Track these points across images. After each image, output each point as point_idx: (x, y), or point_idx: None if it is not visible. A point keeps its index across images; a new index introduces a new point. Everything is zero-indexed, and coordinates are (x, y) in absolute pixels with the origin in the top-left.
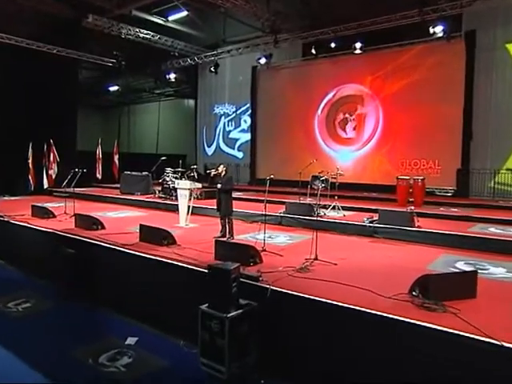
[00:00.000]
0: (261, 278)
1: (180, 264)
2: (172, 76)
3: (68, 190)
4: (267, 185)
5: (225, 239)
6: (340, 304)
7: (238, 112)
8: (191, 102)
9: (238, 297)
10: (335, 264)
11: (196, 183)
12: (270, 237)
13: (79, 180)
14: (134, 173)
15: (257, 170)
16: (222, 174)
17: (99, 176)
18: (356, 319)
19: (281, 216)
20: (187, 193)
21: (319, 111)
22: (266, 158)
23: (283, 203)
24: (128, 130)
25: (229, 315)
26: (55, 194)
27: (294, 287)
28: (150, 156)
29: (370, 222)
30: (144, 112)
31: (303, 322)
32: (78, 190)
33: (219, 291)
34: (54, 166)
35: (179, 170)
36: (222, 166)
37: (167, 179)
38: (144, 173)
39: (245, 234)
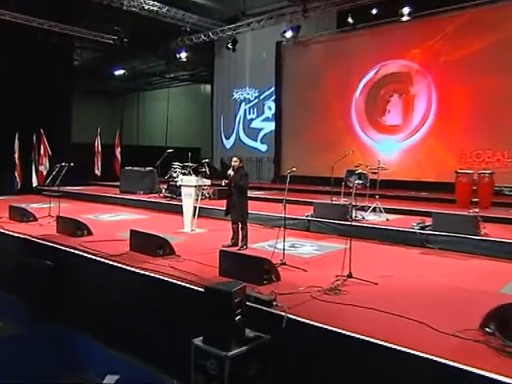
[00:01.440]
0: (275, 303)
1: (174, 281)
2: (183, 55)
3: (58, 188)
4: (287, 181)
5: (235, 249)
6: (383, 343)
7: (261, 97)
8: (208, 88)
9: (244, 328)
10: (375, 284)
11: (204, 180)
12: (292, 246)
13: (74, 177)
14: (135, 168)
15: (282, 166)
16: (235, 167)
17: (98, 172)
18: (405, 366)
19: (308, 220)
20: (193, 191)
21: (357, 93)
22: (292, 150)
23: (311, 204)
24: (137, 119)
25: (230, 353)
26: (45, 193)
27: (320, 315)
28: (159, 149)
29: (421, 229)
30: (154, 99)
31: (330, 365)
32: (71, 188)
33: (218, 321)
34: (45, 161)
35: (188, 164)
36: (235, 158)
37: (174, 175)
38: (148, 168)
39: (262, 243)
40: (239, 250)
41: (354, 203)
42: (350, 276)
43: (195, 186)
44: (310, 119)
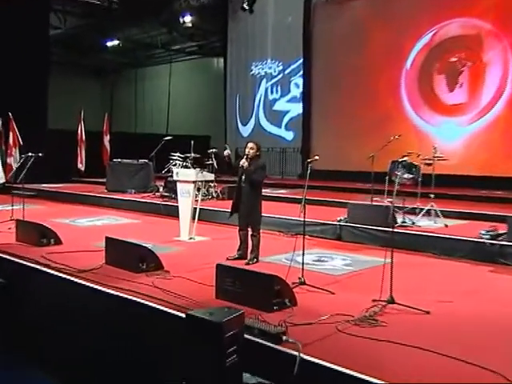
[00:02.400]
0: (285, 337)
1: (156, 306)
2: (188, 19)
3: (23, 185)
4: (307, 173)
5: (242, 264)
6: None
7: (286, 72)
8: (221, 62)
9: (241, 372)
10: (427, 312)
11: (206, 173)
12: (318, 260)
13: (51, 173)
14: (126, 161)
15: (311, 157)
16: (250, 155)
17: (82, 167)
18: None
19: (340, 226)
20: (191, 188)
21: (408, 64)
22: (325, 138)
23: (345, 206)
24: (135, 101)
25: None
26: (14, 192)
27: (346, 356)
28: (161, 137)
29: (493, 238)
30: (156, 77)
31: None
32: (47, 186)
33: (203, 362)
34: (15, 152)
35: (189, 155)
36: (250, 145)
37: (174, 170)
38: (142, 161)
39: (279, 255)
40: (247, 264)
41: (401, 204)
42: (391, 301)
43: (194, 182)
44: (346, 99)
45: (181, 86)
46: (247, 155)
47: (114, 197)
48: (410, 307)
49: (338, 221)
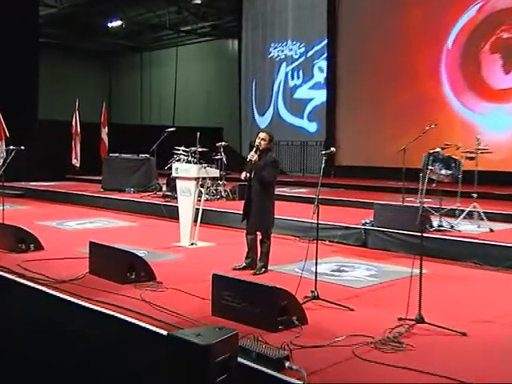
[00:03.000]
0: (288, 363)
1: (141, 324)
2: None
3: (2, 183)
4: (322, 168)
5: (250, 274)
6: None
7: (309, 54)
8: (236, 44)
9: None
10: (463, 334)
11: (210, 169)
12: (339, 269)
13: (42, 169)
14: (125, 156)
15: (337, 152)
16: (261, 147)
17: (76, 162)
18: None
19: (365, 230)
20: (192, 186)
21: (450, 43)
22: (351, 130)
23: (372, 206)
24: (140, 89)
25: None
26: None
27: None
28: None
29: None
30: (165, 62)
31: None
32: (37, 185)
33: None
34: (0, 146)
35: (194, 149)
36: (262, 135)
37: (173, 165)
38: (142, 156)
39: (293, 264)
40: (254, 274)
41: (438, 205)
42: (420, 320)
43: (195, 179)
44: (377, 84)
45: (190, 71)
46: (257, 147)
47: (110, 196)
48: (442, 328)
49: (363, 224)
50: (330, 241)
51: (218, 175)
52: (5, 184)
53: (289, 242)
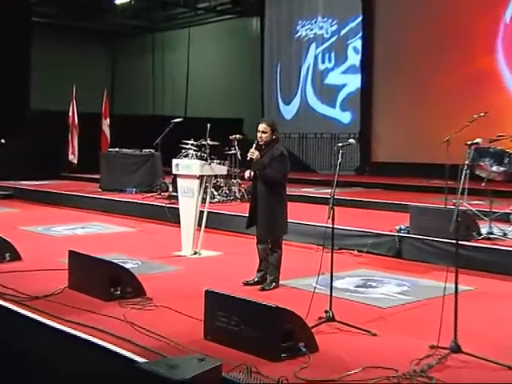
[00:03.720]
0: None
1: (122, 352)
2: None
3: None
4: (338, 163)
5: (258, 290)
6: None
7: (342, 33)
8: (259, 23)
9: None
10: (509, 368)
11: (216, 166)
12: (365, 284)
13: (34, 167)
14: (126, 151)
15: (374, 147)
16: (263, 140)
17: (74, 159)
18: None
19: (399, 238)
20: (195, 186)
21: (507, 16)
22: (390, 120)
23: (407, 209)
24: (152, 75)
25: None
26: None
27: None
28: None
29: None
30: (180, 44)
31: None
32: (28, 184)
33: None
34: None
35: (204, 143)
36: (262, 126)
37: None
38: (146, 151)
39: (309, 278)
40: (263, 290)
41: (487, 208)
42: (456, 349)
43: (198, 177)
44: (421, 66)
45: (207, 55)
46: (258, 141)
47: (108, 197)
48: (484, 359)
49: (398, 231)
50: (358, 250)
51: (226, 172)
52: None
53: (310, 251)
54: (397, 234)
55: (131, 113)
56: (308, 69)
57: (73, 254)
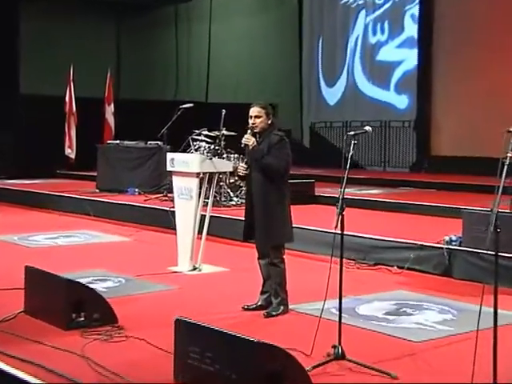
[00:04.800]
0: None
1: None
2: None
3: None
4: (347, 163)
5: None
6: None
7: None
8: None
9: None
10: None
11: (218, 161)
12: (398, 311)
13: (25, 163)
14: (127, 143)
15: (434, 138)
16: (256, 127)
17: (70, 152)
18: None
19: (448, 251)
20: (194, 186)
21: None
22: (454, 105)
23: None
24: (176, 53)
25: None
26: None
27: None
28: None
29: None
30: (207, 17)
31: None
32: (15, 183)
33: None
34: None
35: (218, 133)
36: (255, 109)
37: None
38: (152, 143)
39: (330, 301)
40: (268, 316)
41: None
42: None
43: (197, 175)
44: (494, 39)
45: (235, 29)
46: (252, 127)
47: (103, 200)
48: None
49: (447, 242)
50: (398, 266)
51: (232, 169)
52: None
53: (338, 267)
54: (446, 246)
55: (142, 98)
56: (356, 42)
57: (30, 271)
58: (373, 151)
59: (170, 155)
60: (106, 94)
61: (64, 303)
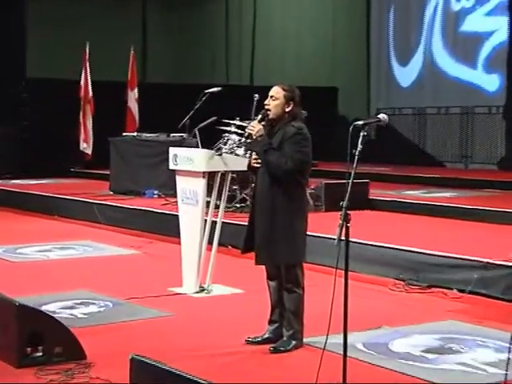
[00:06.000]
0: None
1: None
2: None
3: None
4: (355, 157)
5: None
6: None
7: None
8: None
9: None
10: None
11: (230, 157)
12: (441, 348)
13: (37, 160)
14: (146, 136)
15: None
16: (270, 111)
17: (86, 147)
18: None
19: None
20: (200, 188)
21: None
22: None
23: None
24: (225, 30)
25: None
26: None
27: None
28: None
29: None
30: None
31: None
32: (19, 184)
33: None
34: None
35: (253, 119)
36: (275, 89)
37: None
38: (176, 136)
39: (356, 333)
40: (276, 351)
41: None
42: None
43: (203, 175)
44: None
45: (285, 2)
46: (264, 114)
47: (113, 204)
48: None
49: None
50: (459, 290)
51: (247, 168)
52: None
53: (381, 288)
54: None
55: (173, 81)
56: (435, 11)
57: None
58: (452, 144)
59: (172, 150)
60: (129, 78)
61: (16, 334)
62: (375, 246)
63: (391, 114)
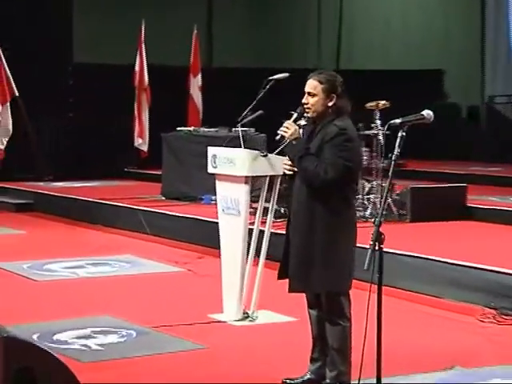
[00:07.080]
0: None
1: None
2: None
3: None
4: (391, 165)
5: None
6: None
7: None
8: None
9: None
10: None
11: (277, 158)
12: None
13: (84, 159)
14: (204, 130)
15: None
16: (309, 109)
17: (142, 143)
18: None
19: None
20: (242, 196)
21: None
22: None
23: None
24: (317, 8)
25: None
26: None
27: None
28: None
29: None
30: None
31: None
32: (64, 186)
33: None
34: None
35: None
36: (311, 83)
37: (215, 152)
38: (237, 129)
39: (421, 374)
40: None
41: None
42: None
43: (246, 180)
44: None
45: None
46: (301, 111)
47: (163, 211)
48: None
49: None
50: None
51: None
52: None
53: (467, 318)
54: None
55: (244, 65)
56: None
57: None
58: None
59: (211, 150)
60: (192, 62)
61: (1, 371)
62: (461, 265)
63: (506, 103)
